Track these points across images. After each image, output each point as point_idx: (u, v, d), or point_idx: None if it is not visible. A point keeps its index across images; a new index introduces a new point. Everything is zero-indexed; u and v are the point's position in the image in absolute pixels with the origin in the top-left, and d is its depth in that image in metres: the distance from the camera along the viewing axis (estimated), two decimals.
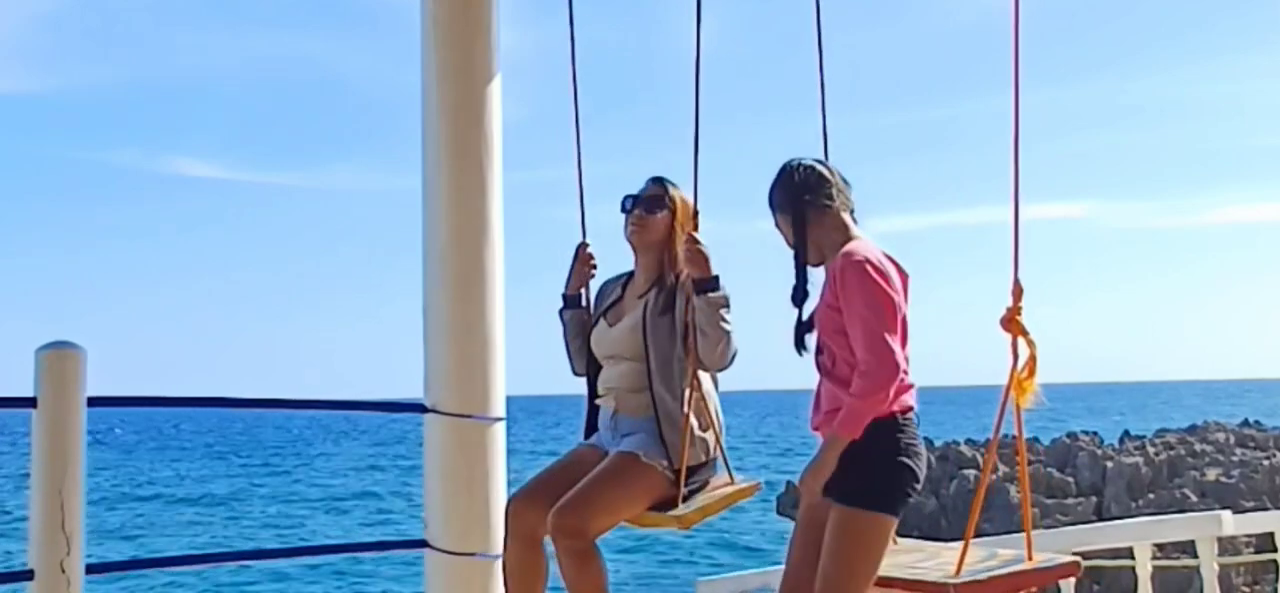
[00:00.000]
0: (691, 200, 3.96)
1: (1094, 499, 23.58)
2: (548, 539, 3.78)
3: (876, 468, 3.35)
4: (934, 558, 3.54)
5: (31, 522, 3.37)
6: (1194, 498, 21.44)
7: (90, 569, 3.44)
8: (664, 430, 3.83)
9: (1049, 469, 24.83)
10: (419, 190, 4.21)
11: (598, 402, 4.06)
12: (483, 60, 4.12)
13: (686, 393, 3.85)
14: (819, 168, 3.59)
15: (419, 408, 4.16)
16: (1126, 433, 33.51)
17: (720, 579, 7.78)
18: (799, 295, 3.55)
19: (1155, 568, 6.08)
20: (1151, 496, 22.67)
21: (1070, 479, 24.51)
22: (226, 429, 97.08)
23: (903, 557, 3.58)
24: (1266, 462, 24.17)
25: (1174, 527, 6.99)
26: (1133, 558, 5.97)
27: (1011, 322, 3.32)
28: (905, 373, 3.36)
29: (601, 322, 4.07)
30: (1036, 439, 28.81)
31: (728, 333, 3.80)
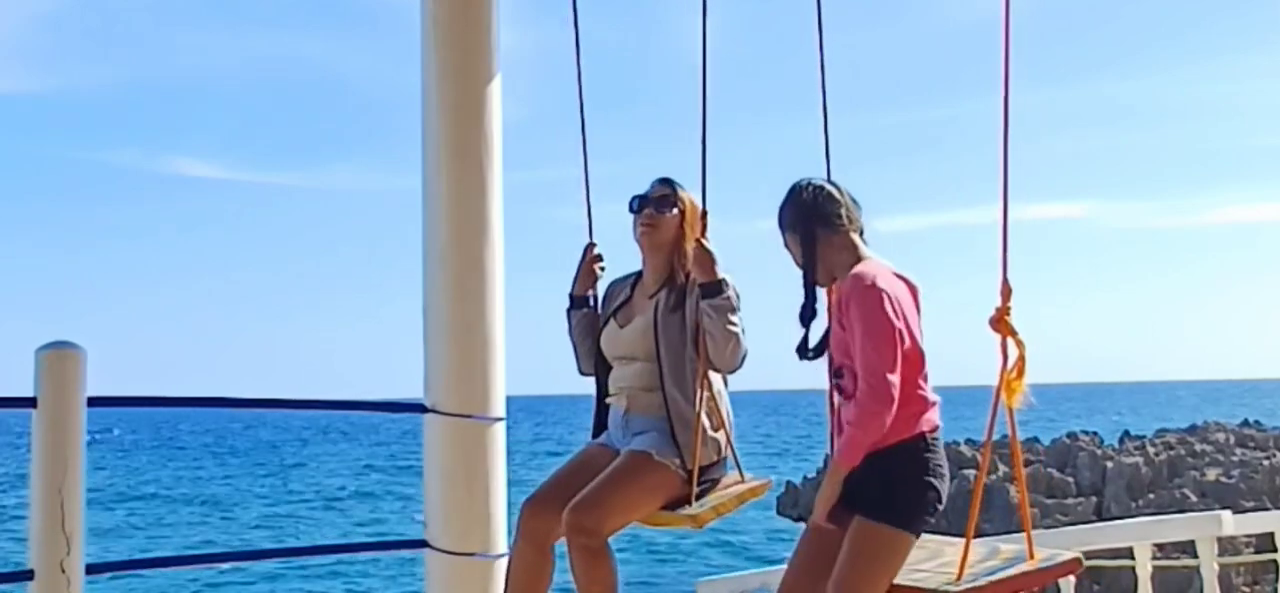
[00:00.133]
0: (699, 202, 3.96)
1: (1094, 499, 23.58)
2: (557, 543, 3.79)
3: (904, 486, 3.36)
4: (935, 557, 3.53)
5: (31, 522, 3.37)
6: (1194, 498, 21.44)
7: (90, 569, 3.43)
8: (676, 430, 3.84)
9: (1049, 469, 24.85)
10: (419, 190, 4.20)
11: (608, 401, 4.07)
12: (483, 60, 4.11)
13: (698, 393, 3.85)
14: (829, 188, 3.57)
15: (419, 408, 4.15)
16: (1126, 433, 33.54)
17: (720, 580, 7.79)
18: (807, 315, 3.54)
19: (1155, 568, 6.08)
20: (1151, 496, 22.68)
21: (1070, 479, 24.52)
22: (226, 429, 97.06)
23: None
24: (1266, 462, 24.17)
25: (1174, 527, 7.00)
26: (1133, 558, 5.97)
27: (1000, 322, 3.32)
28: (924, 392, 3.36)
29: (611, 322, 4.07)
30: (1036, 439, 28.85)
31: (736, 336, 3.80)
